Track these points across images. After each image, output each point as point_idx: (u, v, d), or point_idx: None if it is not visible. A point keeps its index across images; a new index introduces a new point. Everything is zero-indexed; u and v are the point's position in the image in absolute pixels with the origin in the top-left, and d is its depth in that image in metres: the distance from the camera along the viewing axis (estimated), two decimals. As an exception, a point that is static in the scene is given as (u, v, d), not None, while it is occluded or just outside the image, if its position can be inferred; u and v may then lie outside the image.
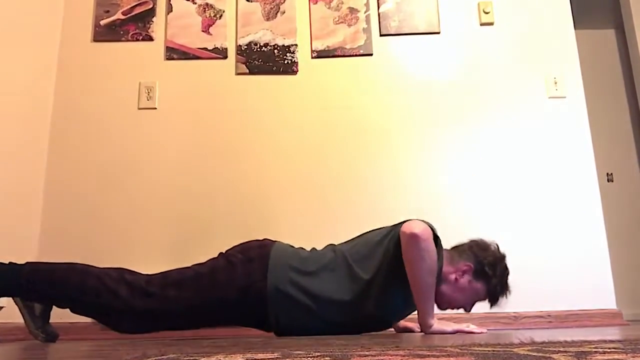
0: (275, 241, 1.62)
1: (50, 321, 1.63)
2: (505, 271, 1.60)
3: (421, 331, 1.51)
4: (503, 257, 1.62)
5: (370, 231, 1.67)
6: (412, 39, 2.58)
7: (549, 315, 2.24)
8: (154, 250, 2.33)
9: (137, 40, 2.57)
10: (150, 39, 2.58)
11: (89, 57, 2.56)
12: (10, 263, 1.54)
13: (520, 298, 2.28)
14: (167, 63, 2.55)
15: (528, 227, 2.35)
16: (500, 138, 2.46)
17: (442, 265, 1.55)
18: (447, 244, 2.32)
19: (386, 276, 1.51)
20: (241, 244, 1.62)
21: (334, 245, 1.66)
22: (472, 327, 1.48)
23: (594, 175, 2.41)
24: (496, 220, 2.36)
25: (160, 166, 2.43)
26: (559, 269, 2.31)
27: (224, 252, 1.61)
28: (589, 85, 2.71)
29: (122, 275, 1.53)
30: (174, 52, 2.56)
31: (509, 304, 2.25)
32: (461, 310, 2.23)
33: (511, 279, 2.27)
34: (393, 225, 1.59)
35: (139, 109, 2.50)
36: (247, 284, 1.49)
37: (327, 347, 0.89)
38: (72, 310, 1.60)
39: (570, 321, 2.23)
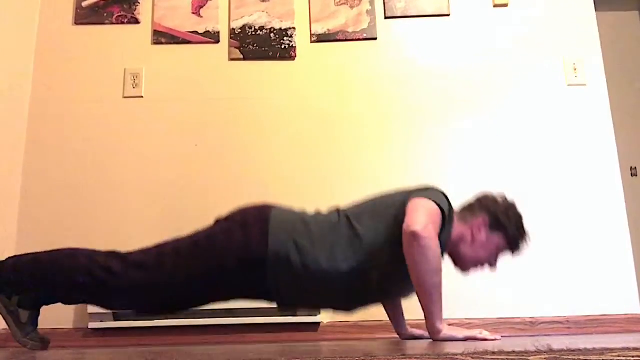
0: (274, 205, 1.64)
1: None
2: (519, 216, 1.64)
3: (430, 338, 1.51)
4: (514, 203, 1.66)
5: (381, 195, 1.67)
6: (419, 22, 2.57)
7: (567, 321, 2.25)
8: (140, 245, 2.32)
9: (122, 23, 2.57)
10: (137, 21, 2.57)
11: (70, 42, 2.55)
12: None
13: (537, 302, 2.28)
14: (155, 48, 2.55)
15: (545, 225, 2.35)
16: (515, 129, 2.46)
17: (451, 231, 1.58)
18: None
19: (392, 245, 1.52)
20: (238, 208, 1.63)
21: (339, 207, 1.68)
22: (485, 334, 1.49)
23: (617, 169, 2.41)
24: (511, 218, 2.36)
25: (147, 158, 2.43)
26: (578, 270, 2.31)
27: (220, 218, 1.63)
28: (612, 72, 2.69)
29: (113, 251, 1.55)
30: (162, 36, 2.55)
31: (525, 309, 2.27)
32: (472, 315, 2.24)
33: (527, 280, 2.28)
34: (407, 193, 1.59)
35: (124, 97, 2.49)
36: (246, 250, 1.51)
37: (330, 353, 0.89)
38: (64, 300, 1.60)
39: (591, 327, 2.23)
